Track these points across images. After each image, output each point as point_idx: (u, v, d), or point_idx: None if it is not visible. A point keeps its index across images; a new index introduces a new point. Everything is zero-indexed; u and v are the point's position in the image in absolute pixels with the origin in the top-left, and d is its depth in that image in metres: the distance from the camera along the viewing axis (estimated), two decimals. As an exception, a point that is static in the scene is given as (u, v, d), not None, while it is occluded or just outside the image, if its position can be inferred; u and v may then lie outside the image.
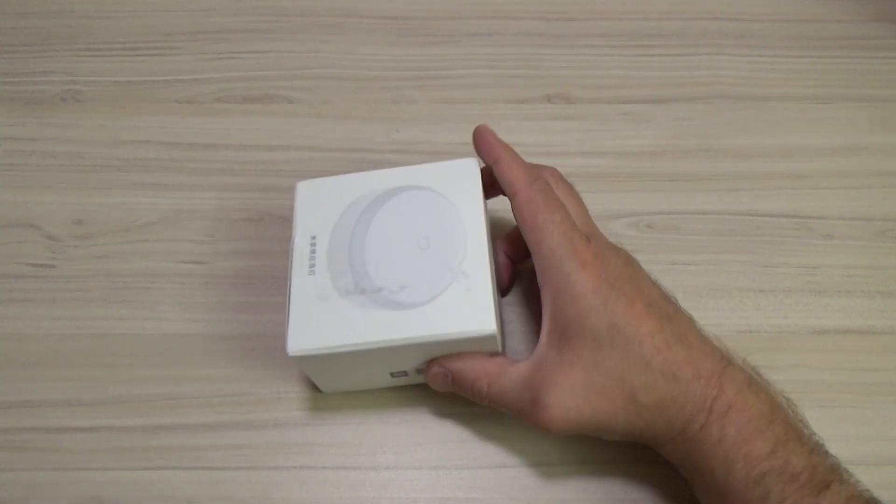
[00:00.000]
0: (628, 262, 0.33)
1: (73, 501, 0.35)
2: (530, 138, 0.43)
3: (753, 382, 0.31)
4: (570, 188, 0.36)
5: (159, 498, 0.35)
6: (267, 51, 0.46)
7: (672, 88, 0.45)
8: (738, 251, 0.40)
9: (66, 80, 0.45)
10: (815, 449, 0.30)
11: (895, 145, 0.43)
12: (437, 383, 0.34)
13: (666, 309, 0.32)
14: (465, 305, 0.32)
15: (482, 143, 0.35)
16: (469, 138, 0.35)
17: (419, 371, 0.34)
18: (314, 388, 0.37)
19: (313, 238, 0.34)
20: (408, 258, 0.33)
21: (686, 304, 0.39)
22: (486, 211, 0.35)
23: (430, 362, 0.33)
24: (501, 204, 0.36)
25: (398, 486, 0.36)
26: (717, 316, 0.39)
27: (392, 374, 0.35)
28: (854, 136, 0.43)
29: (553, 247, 0.31)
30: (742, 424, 0.29)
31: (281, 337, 0.32)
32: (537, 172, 0.34)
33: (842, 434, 0.36)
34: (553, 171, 0.36)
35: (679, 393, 0.30)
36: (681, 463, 0.31)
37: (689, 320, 0.32)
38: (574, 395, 0.30)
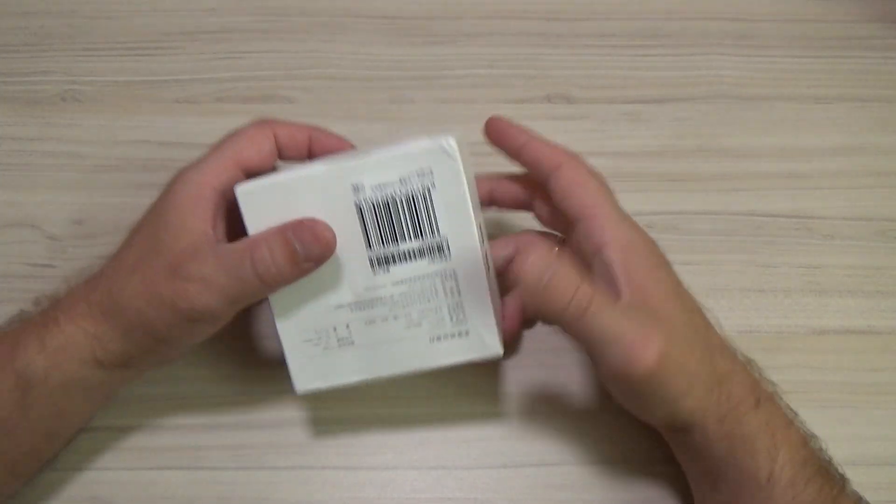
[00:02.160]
0: (656, 250, 0.34)
1: (72, 501, 0.35)
2: (530, 138, 0.43)
3: (768, 389, 0.32)
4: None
5: (159, 498, 0.35)
6: (267, 51, 0.46)
7: (672, 88, 0.45)
8: (738, 251, 0.40)
9: (66, 80, 0.45)
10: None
11: (895, 145, 0.43)
12: (529, 284, 0.29)
13: (696, 306, 0.33)
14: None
15: (501, 133, 0.34)
16: (471, 138, 0.35)
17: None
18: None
19: None
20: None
21: (686, 304, 0.39)
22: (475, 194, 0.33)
23: (526, 259, 0.32)
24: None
25: (398, 486, 0.36)
26: (717, 316, 0.39)
27: None
28: (854, 136, 0.43)
29: (614, 206, 0.32)
30: (779, 413, 0.31)
31: (274, 334, 0.32)
32: (567, 150, 0.34)
33: (842, 434, 0.36)
34: None
35: (740, 368, 0.31)
36: (708, 452, 0.31)
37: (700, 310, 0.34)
38: (673, 344, 0.29)
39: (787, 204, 0.42)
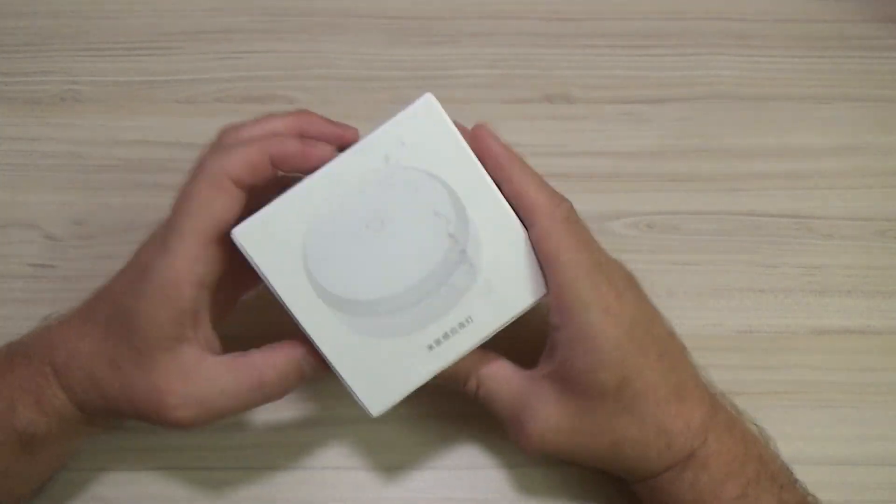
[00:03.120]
0: (640, 296, 0.31)
1: (73, 501, 0.35)
2: (530, 138, 0.43)
3: (732, 423, 0.31)
4: None
5: (159, 498, 0.35)
6: (267, 51, 0.46)
7: (672, 88, 0.45)
8: (738, 251, 0.40)
9: (66, 80, 0.45)
10: (787, 485, 0.31)
11: (895, 145, 0.43)
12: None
13: (672, 353, 0.31)
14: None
15: (484, 151, 0.31)
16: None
17: None
18: (314, 387, 0.37)
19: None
20: (413, 266, 0.30)
21: (686, 303, 0.39)
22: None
23: None
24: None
25: (398, 486, 0.36)
26: (717, 316, 0.39)
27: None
28: (854, 136, 0.43)
29: (577, 293, 0.29)
30: (716, 469, 0.30)
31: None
32: (558, 194, 0.31)
33: (842, 434, 0.36)
34: None
35: (665, 446, 0.30)
36: (648, 501, 0.32)
37: (688, 359, 0.32)
38: (560, 433, 0.30)
39: (787, 204, 0.42)
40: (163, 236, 0.30)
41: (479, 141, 0.31)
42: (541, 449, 0.31)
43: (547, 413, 0.30)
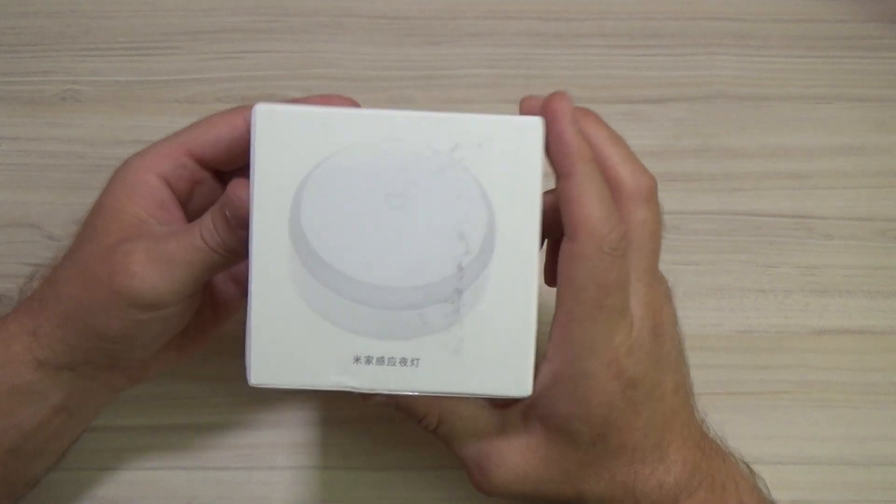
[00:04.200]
0: (661, 347, 0.28)
1: (73, 501, 0.35)
2: (530, 138, 0.43)
3: (712, 480, 0.29)
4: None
5: (159, 498, 0.35)
6: (267, 51, 0.46)
7: (672, 88, 0.45)
8: (738, 251, 0.40)
9: (66, 80, 0.45)
10: None
11: (895, 145, 0.43)
12: (375, 404, 0.29)
13: (668, 409, 0.28)
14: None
15: (555, 134, 0.26)
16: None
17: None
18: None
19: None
20: (423, 259, 0.26)
21: (686, 303, 0.39)
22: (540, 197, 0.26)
23: None
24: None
25: (398, 485, 0.36)
26: (717, 316, 0.39)
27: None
28: (854, 136, 0.43)
29: (586, 335, 0.26)
30: None
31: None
32: (616, 215, 0.26)
33: (842, 434, 0.36)
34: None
35: None
36: None
37: (688, 408, 0.29)
38: (525, 483, 0.28)
39: (787, 204, 0.42)
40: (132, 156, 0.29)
41: (552, 114, 0.26)
42: (501, 495, 0.29)
43: (515, 461, 0.28)
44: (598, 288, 0.25)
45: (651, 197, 0.28)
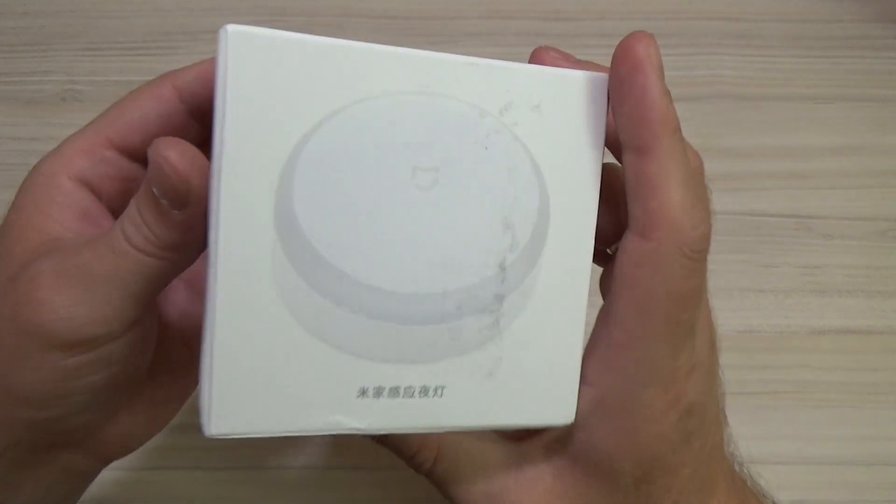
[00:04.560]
0: (712, 371, 0.23)
1: (73, 501, 0.35)
2: (530, 138, 0.43)
3: None
4: None
5: (159, 498, 0.35)
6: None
7: (672, 88, 0.44)
8: (738, 251, 0.40)
9: (66, 80, 0.45)
10: None
11: (895, 145, 0.43)
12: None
13: (715, 440, 0.24)
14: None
15: (636, 92, 0.20)
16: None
17: None
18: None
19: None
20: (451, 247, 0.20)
21: (686, 304, 0.39)
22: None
23: None
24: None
25: (398, 485, 0.36)
26: (717, 316, 0.39)
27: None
28: (854, 136, 0.43)
29: (646, 355, 0.21)
30: None
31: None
32: (702, 207, 0.20)
33: (842, 434, 0.36)
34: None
35: None
36: None
37: (721, 445, 0.25)
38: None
39: (787, 204, 0.42)
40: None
41: (632, 65, 0.20)
42: None
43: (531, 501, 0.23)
44: (672, 300, 0.20)
45: (703, 180, 0.23)
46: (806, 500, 0.36)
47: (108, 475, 0.36)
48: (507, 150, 0.20)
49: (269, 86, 0.18)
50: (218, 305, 0.18)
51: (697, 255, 0.20)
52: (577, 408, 0.22)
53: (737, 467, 0.26)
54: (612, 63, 0.20)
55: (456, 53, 0.19)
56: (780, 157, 0.43)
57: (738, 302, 0.39)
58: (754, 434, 0.37)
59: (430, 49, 0.19)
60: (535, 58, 0.22)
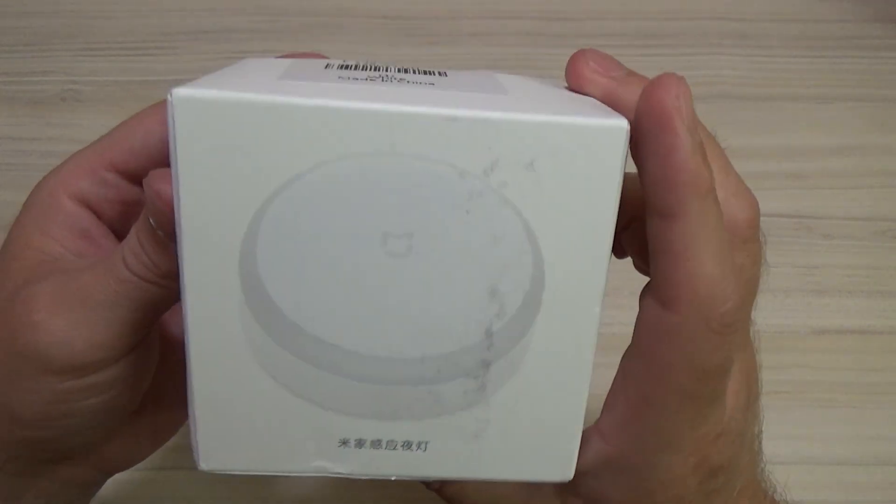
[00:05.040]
0: (744, 428, 0.21)
1: (73, 501, 0.35)
2: (530, 138, 0.43)
3: None
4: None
5: (159, 498, 0.35)
6: (267, 51, 0.46)
7: (672, 88, 0.45)
8: (738, 251, 0.40)
9: (66, 80, 0.45)
10: None
11: (895, 145, 0.43)
12: None
13: (738, 489, 0.22)
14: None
15: (663, 149, 0.17)
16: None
17: None
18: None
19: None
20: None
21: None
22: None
23: None
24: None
25: (399, 485, 0.36)
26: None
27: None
28: (854, 136, 0.43)
29: (665, 426, 0.19)
30: None
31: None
32: (733, 279, 0.18)
33: (842, 434, 0.36)
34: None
35: None
36: None
37: (757, 463, 0.24)
38: None
39: (787, 204, 0.41)
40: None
41: (659, 116, 0.17)
42: None
43: None
44: (694, 375, 0.19)
45: (753, 235, 0.20)
46: (806, 500, 0.36)
47: (108, 475, 0.36)
48: (493, 214, 0.17)
49: (223, 152, 0.17)
50: (193, 363, 0.18)
51: (727, 329, 0.18)
52: (588, 457, 0.21)
53: (772, 494, 0.25)
54: (636, 112, 0.18)
55: (440, 107, 0.17)
56: (780, 157, 0.43)
57: (738, 302, 0.39)
58: (754, 434, 0.37)
59: (429, 49, 0.19)
60: (572, 67, 0.20)
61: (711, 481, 0.21)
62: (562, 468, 0.20)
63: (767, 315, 0.39)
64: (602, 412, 0.21)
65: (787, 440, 0.36)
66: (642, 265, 0.22)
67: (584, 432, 0.20)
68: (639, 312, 0.20)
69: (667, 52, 0.46)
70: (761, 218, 0.20)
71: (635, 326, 0.20)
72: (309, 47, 0.46)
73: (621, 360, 0.21)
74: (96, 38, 0.46)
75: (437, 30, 0.46)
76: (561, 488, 0.22)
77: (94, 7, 0.47)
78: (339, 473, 0.20)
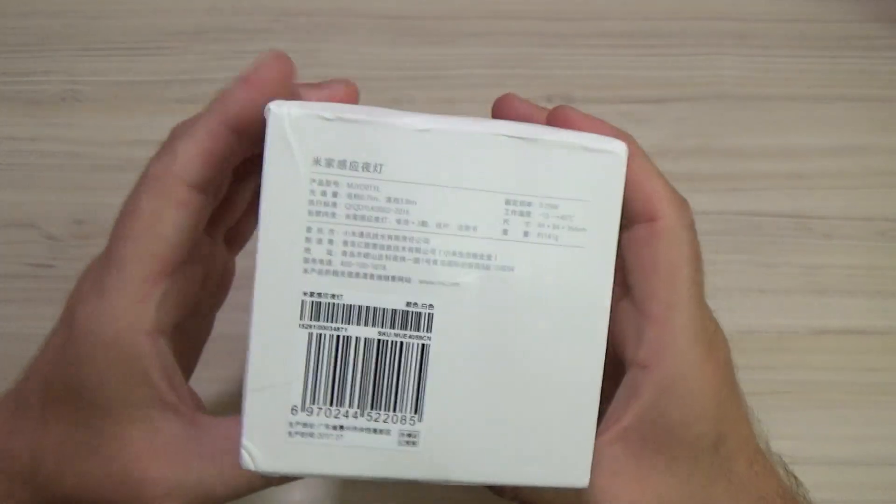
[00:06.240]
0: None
1: (73, 501, 0.35)
2: (530, 138, 0.43)
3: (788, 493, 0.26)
4: None
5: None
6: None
7: (672, 88, 0.45)
8: (738, 251, 0.40)
9: (66, 80, 0.45)
10: None
11: (895, 145, 0.43)
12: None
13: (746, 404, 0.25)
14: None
15: (568, 122, 0.24)
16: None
17: None
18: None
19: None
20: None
21: (686, 304, 0.39)
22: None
23: None
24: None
25: (398, 485, 0.36)
26: (717, 316, 0.39)
27: None
28: (854, 136, 0.43)
29: (686, 324, 0.22)
30: None
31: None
32: (681, 196, 0.24)
33: (842, 434, 0.36)
34: None
35: None
36: None
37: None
38: None
39: (787, 204, 0.41)
40: (98, 273, 0.22)
41: (563, 114, 0.24)
42: None
43: (631, 498, 0.22)
44: (691, 264, 0.23)
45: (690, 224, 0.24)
46: (806, 500, 0.36)
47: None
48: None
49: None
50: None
51: (693, 229, 0.24)
52: (645, 395, 0.22)
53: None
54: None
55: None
56: (780, 157, 0.43)
57: (738, 302, 0.39)
58: (754, 434, 0.37)
59: (430, 49, 0.20)
60: (498, 106, 0.24)
61: (731, 376, 0.24)
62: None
63: (767, 315, 0.39)
64: (636, 352, 0.23)
65: (787, 440, 0.36)
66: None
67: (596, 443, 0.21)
68: (630, 248, 0.23)
69: (667, 52, 0.46)
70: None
71: (631, 259, 0.23)
72: (309, 47, 0.46)
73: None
74: (96, 38, 0.46)
75: (437, 30, 0.46)
76: (623, 440, 0.23)
77: (94, 7, 0.47)
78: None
